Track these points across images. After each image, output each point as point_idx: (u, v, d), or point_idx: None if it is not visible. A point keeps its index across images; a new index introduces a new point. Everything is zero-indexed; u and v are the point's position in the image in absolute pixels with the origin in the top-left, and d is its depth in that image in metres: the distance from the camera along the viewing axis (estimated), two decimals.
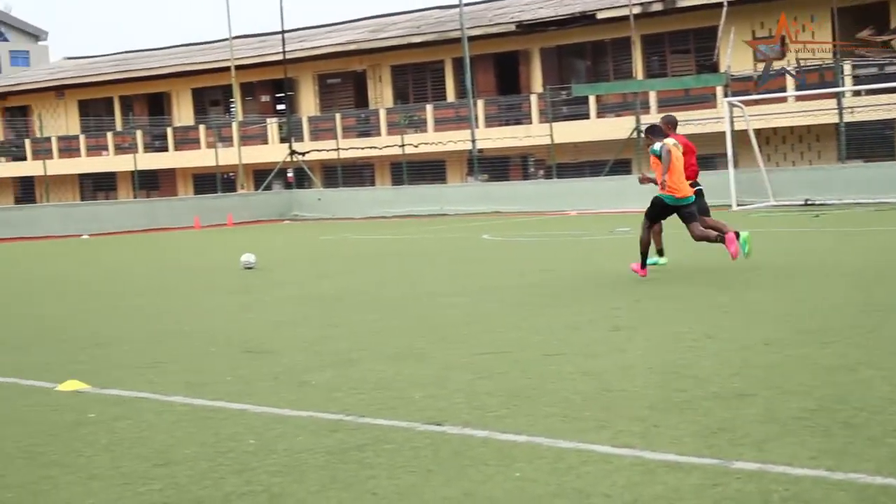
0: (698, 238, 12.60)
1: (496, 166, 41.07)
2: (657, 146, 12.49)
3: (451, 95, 44.39)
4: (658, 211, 12.73)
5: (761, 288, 11.32)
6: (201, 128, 49.34)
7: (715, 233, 12.61)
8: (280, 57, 44.21)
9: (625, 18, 36.75)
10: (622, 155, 36.36)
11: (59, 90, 55.92)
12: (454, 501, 4.45)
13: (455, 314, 10.34)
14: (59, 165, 50.59)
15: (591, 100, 38.98)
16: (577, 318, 9.62)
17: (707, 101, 36.13)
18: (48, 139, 52.71)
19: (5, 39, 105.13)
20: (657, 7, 37.83)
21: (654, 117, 32.74)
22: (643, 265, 12.55)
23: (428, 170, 42.71)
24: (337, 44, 46.86)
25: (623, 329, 8.85)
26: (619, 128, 36.91)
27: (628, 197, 29.51)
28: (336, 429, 5.80)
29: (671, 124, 13.57)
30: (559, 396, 6.36)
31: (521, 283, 12.85)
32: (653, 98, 37.43)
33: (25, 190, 55.01)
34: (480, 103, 41.30)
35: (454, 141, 41.01)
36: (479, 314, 10.29)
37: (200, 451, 5.46)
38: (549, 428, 5.60)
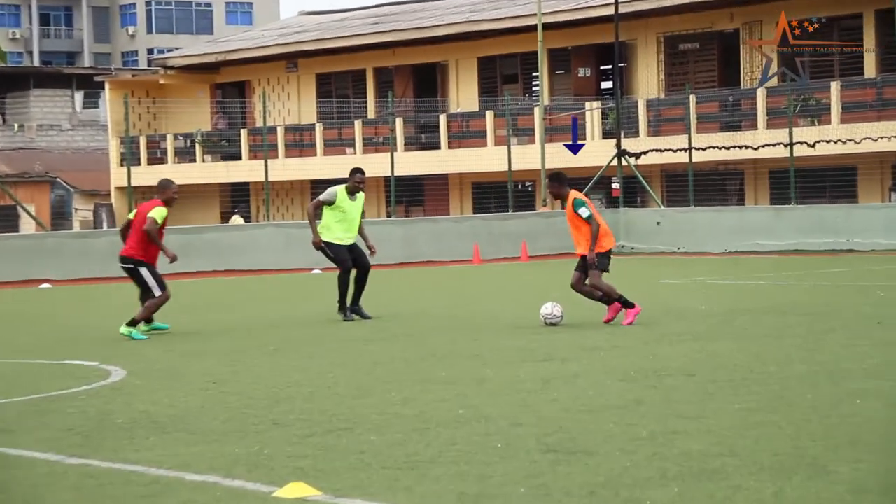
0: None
1: None
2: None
3: (869, 68, 43.21)
4: None
5: None
6: (488, 115, 49.95)
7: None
8: (611, 11, 44.04)
9: None
10: None
11: (290, 59, 58.12)
12: None
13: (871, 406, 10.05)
14: (284, 168, 52.19)
15: None
16: None
17: None
18: (272, 129, 54.00)
19: None
20: None
21: None
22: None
23: (829, 180, 41.87)
24: None
25: None
26: None
27: None
28: None
29: None
30: None
31: None
32: None
33: (238, 199, 57.26)
34: None
35: (873, 137, 39.84)
36: None
37: None
38: None
